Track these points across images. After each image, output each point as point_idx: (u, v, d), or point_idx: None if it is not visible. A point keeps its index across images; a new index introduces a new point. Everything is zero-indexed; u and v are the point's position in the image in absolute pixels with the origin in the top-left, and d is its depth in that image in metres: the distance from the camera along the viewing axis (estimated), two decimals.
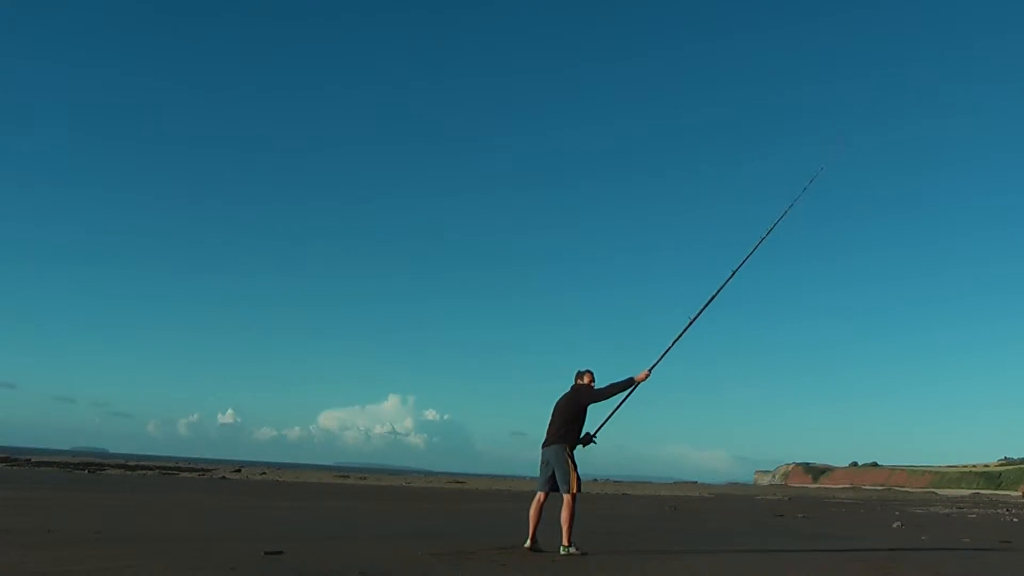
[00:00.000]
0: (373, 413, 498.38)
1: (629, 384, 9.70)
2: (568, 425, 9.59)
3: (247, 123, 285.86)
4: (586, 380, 9.84)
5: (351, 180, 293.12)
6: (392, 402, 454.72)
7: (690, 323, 10.20)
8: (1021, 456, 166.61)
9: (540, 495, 9.63)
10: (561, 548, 9.25)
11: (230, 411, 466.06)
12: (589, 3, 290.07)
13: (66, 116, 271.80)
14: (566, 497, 9.36)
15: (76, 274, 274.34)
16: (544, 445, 9.64)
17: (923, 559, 11.08)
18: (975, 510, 35.43)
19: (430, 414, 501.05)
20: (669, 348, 10.05)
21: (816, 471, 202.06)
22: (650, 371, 9.83)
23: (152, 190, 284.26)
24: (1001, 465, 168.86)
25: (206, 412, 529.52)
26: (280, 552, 8.61)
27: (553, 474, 9.52)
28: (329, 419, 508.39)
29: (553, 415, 9.71)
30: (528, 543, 9.51)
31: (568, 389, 9.84)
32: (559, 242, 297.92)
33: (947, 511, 33.58)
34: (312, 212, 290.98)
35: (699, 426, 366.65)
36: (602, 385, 9.78)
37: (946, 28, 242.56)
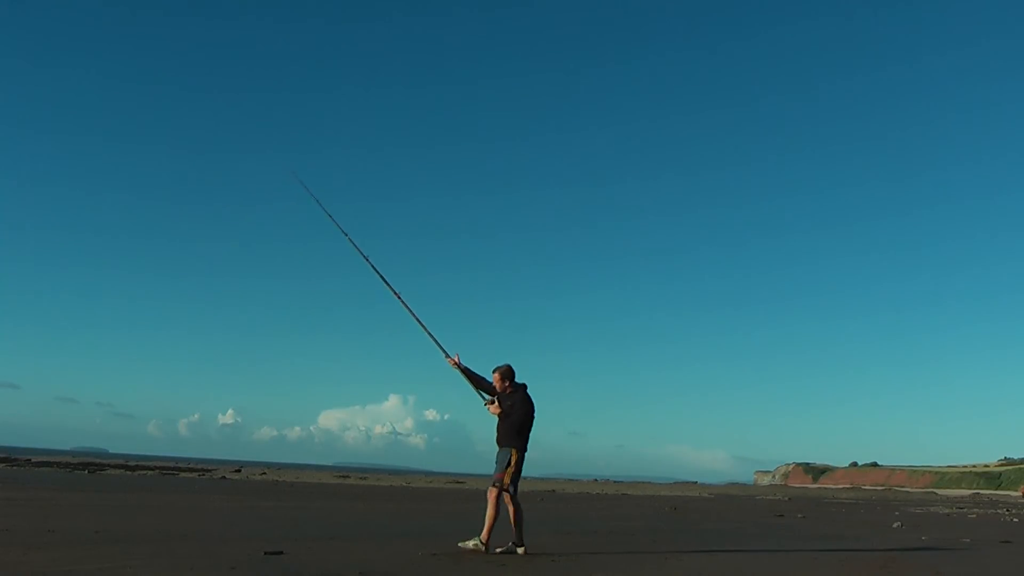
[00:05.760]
0: (373, 413, 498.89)
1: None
2: None
3: (248, 124, 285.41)
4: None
5: (351, 180, 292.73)
6: (392, 402, 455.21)
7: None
8: (1021, 456, 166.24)
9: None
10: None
11: (230, 411, 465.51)
12: (607, 4, 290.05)
13: (67, 116, 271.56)
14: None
15: (79, 275, 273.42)
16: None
17: (923, 559, 11.10)
18: (975, 510, 35.42)
19: (430, 414, 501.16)
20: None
21: (816, 471, 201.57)
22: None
23: (153, 190, 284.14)
24: (1001, 465, 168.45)
25: (206, 412, 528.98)
26: (280, 552, 8.64)
27: None
28: (329, 419, 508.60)
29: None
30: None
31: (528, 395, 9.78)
32: (559, 242, 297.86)
33: (947, 511, 33.58)
34: (312, 212, 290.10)
35: (699, 426, 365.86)
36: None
37: (946, 28, 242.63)
